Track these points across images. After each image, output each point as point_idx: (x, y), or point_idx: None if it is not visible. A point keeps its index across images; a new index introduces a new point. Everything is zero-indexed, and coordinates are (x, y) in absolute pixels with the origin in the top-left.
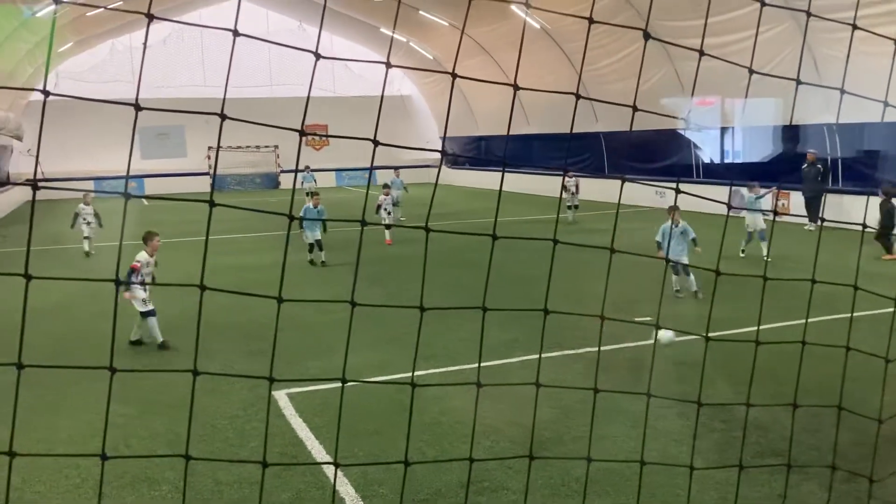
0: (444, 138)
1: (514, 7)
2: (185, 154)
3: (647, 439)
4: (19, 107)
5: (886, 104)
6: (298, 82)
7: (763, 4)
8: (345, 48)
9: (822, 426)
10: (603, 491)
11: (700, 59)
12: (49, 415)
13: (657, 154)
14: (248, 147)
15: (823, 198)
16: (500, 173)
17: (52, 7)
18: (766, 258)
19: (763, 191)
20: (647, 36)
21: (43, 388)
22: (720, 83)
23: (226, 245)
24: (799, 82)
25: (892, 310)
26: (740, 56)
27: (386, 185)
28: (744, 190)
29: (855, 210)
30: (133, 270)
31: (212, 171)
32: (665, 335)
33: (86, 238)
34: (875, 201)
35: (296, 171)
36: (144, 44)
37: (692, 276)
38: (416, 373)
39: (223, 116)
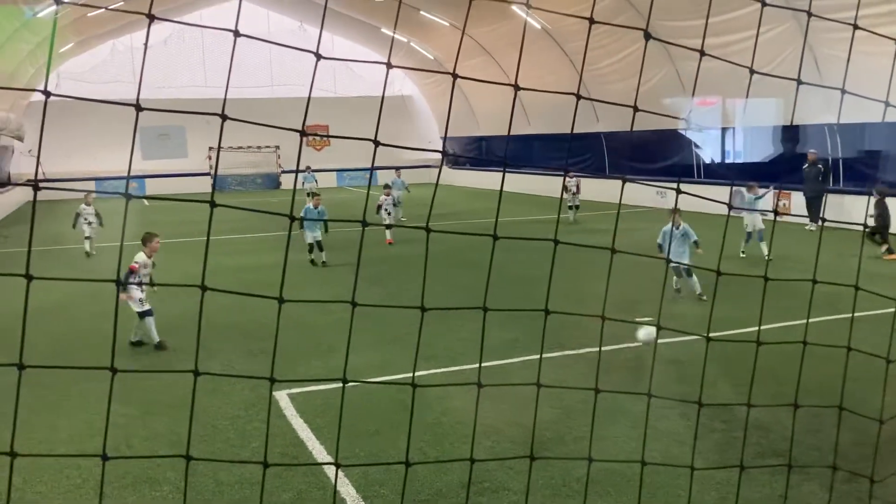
0: (444, 138)
1: (514, 7)
2: (186, 154)
3: (647, 440)
4: (20, 107)
5: (887, 104)
6: (299, 83)
7: (764, 4)
8: (345, 48)
9: (823, 426)
10: (604, 491)
11: (701, 60)
12: (50, 415)
13: (658, 154)
14: (248, 147)
15: (824, 198)
16: (501, 173)
17: (54, 7)
18: (767, 258)
19: (762, 191)
20: (647, 36)
21: (44, 389)
22: (721, 83)
23: (227, 245)
24: (800, 82)
25: (892, 310)
26: (741, 56)
27: (387, 186)
28: (744, 190)
29: (856, 210)
30: (131, 272)
31: (213, 172)
32: (643, 333)
33: (87, 238)
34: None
35: (297, 171)
36: (145, 44)
37: (694, 278)
38: (417, 373)
39: (224, 117)
